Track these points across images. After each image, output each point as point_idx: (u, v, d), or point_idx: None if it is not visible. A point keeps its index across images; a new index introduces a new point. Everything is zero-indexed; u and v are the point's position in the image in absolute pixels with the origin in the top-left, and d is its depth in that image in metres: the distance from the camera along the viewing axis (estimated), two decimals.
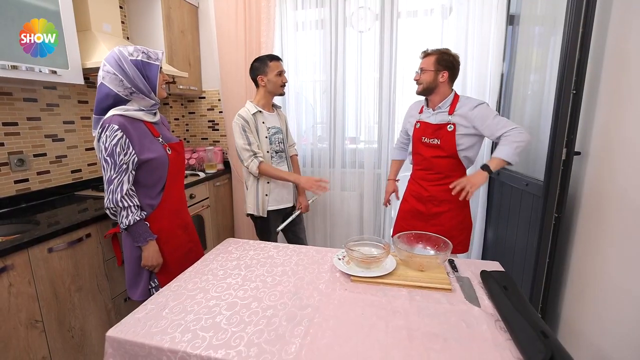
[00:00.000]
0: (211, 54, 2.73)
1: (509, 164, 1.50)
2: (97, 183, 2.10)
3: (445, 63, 1.62)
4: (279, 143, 1.96)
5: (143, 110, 1.32)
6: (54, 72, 1.52)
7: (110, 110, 1.26)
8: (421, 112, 1.77)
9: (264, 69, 1.87)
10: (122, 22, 2.27)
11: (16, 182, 1.69)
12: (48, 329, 1.33)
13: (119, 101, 1.28)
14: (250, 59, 2.44)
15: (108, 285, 1.61)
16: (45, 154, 1.83)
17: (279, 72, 1.88)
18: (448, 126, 1.62)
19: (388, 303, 1.00)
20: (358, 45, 2.45)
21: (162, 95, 1.37)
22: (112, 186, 1.24)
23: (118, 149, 1.22)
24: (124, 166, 1.24)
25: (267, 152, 1.91)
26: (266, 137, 1.90)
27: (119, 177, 1.24)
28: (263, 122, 1.90)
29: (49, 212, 1.61)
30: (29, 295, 1.26)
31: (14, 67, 1.38)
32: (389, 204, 2.04)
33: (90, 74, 1.86)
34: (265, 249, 1.42)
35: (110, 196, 1.24)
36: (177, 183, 1.47)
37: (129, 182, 1.26)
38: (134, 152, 1.25)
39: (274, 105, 2.02)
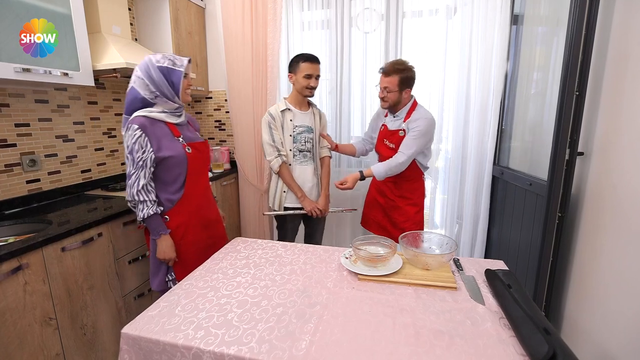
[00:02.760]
0: (218, 54, 2.75)
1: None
2: (106, 183, 2.14)
3: (408, 82, 1.79)
4: (305, 142, 1.96)
5: (166, 112, 1.42)
6: (66, 74, 1.55)
7: (136, 112, 1.37)
8: (386, 115, 1.98)
9: (295, 68, 1.88)
10: (131, 24, 2.29)
11: (28, 182, 1.73)
12: (61, 326, 1.37)
13: (146, 104, 1.39)
14: (257, 60, 2.47)
15: (119, 283, 1.64)
16: (56, 155, 1.86)
17: (307, 75, 1.85)
18: (400, 132, 1.84)
19: (395, 301, 1.03)
20: (363, 45, 2.47)
21: (186, 100, 1.47)
22: (130, 181, 1.35)
23: (137, 147, 1.32)
24: (141, 163, 1.33)
25: (290, 150, 1.93)
26: (291, 135, 1.92)
27: (136, 172, 1.34)
28: (291, 120, 1.92)
29: (60, 211, 1.64)
30: (43, 294, 1.29)
31: (27, 70, 1.41)
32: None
33: (100, 76, 1.89)
34: (274, 248, 1.44)
35: (129, 190, 1.35)
36: (200, 181, 1.54)
37: (145, 178, 1.35)
38: (152, 149, 1.35)
39: (309, 103, 2.02)
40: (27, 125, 1.72)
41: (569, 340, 1.54)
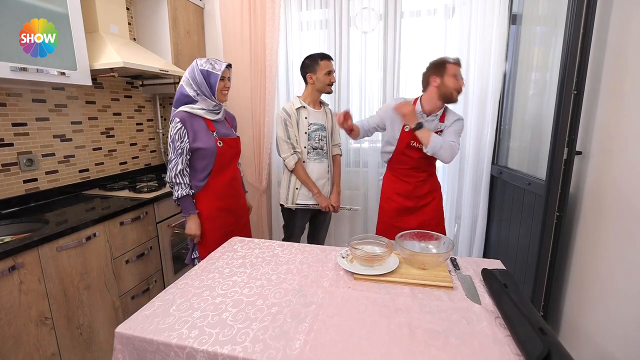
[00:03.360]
0: (217, 54, 2.75)
1: (425, 146, 1.64)
2: (104, 183, 2.14)
3: None
4: (319, 140, 1.99)
5: (204, 109, 1.61)
6: (63, 74, 1.55)
7: (181, 107, 1.58)
8: None
9: (314, 67, 1.92)
10: (129, 24, 2.29)
11: (25, 181, 1.73)
12: (57, 326, 1.36)
13: (190, 101, 1.60)
14: (255, 59, 2.47)
15: (115, 283, 1.64)
16: (53, 154, 1.86)
17: (328, 72, 1.93)
18: (439, 133, 1.74)
19: (390, 300, 1.02)
20: (362, 45, 2.46)
21: (221, 99, 1.66)
22: (170, 165, 1.57)
23: (177, 137, 1.54)
24: (180, 150, 1.55)
25: (305, 147, 1.95)
26: (305, 132, 1.94)
27: (176, 159, 1.56)
28: (306, 118, 1.94)
29: (58, 211, 1.64)
30: (38, 293, 1.29)
31: (23, 69, 1.41)
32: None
33: (98, 75, 1.89)
34: (270, 248, 1.44)
35: (169, 173, 1.58)
36: (226, 172, 1.70)
37: (182, 164, 1.57)
38: (187, 140, 1.55)
39: (321, 102, 2.05)
40: (25, 124, 1.71)
41: (568, 341, 1.54)
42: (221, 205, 1.69)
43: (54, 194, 1.86)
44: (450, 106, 1.80)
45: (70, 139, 1.96)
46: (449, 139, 1.67)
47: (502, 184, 2.19)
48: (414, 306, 0.99)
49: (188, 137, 1.55)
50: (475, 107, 2.29)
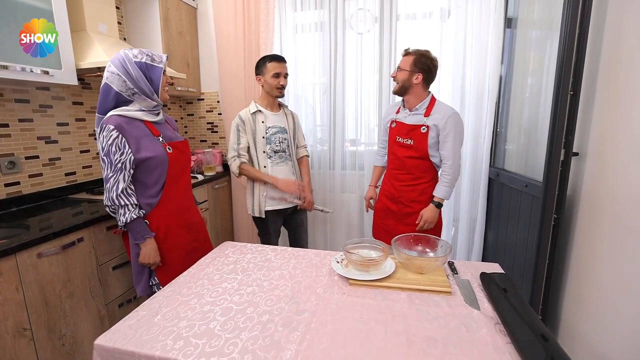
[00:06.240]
0: (210, 55, 2.71)
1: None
2: (92, 186, 2.07)
3: (421, 65, 1.66)
4: (279, 143, 1.93)
5: (144, 110, 1.34)
6: (46, 73, 1.50)
7: (110, 111, 1.28)
8: (398, 112, 1.81)
9: (262, 70, 1.86)
10: (119, 23, 2.25)
11: (7, 185, 1.66)
12: (37, 337, 1.29)
13: (121, 102, 1.31)
14: (249, 61, 2.44)
15: (101, 290, 1.57)
16: (37, 157, 1.79)
17: (275, 74, 1.84)
18: (422, 128, 1.68)
19: (387, 307, 0.98)
20: (358, 47, 2.43)
21: (164, 98, 1.40)
22: (108, 185, 1.27)
23: (114, 149, 1.24)
24: (119, 165, 1.26)
25: (264, 152, 1.89)
26: (263, 137, 1.88)
27: (115, 175, 1.26)
28: (263, 122, 1.88)
29: (41, 216, 1.58)
30: (16, 303, 1.22)
31: (4, 67, 1.35)
32: (371, 208, 2.02)
33: (85, 75, 1.83)
34: (263, 252, 1.39)
35: (107, 194, 1.28)
36: (181, 182, 1.46)
37: (124, 181, 1.28)
38: (130, 151, 1.27)
39: (280, 105, 2.00)
40: (6, 125, 1.65)
41: (566, 346, 1.50)
42: (179, 221, 1.45)
43: (38, 198, 1.79)
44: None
45: (56, 141, 1.89)
46: (446, 161, 1.67)
47: (499, 186, 2.17)
48: (411, 312, 0.95)
49: (130, 147, 1.26)
50: (472, 110, 2.27)
